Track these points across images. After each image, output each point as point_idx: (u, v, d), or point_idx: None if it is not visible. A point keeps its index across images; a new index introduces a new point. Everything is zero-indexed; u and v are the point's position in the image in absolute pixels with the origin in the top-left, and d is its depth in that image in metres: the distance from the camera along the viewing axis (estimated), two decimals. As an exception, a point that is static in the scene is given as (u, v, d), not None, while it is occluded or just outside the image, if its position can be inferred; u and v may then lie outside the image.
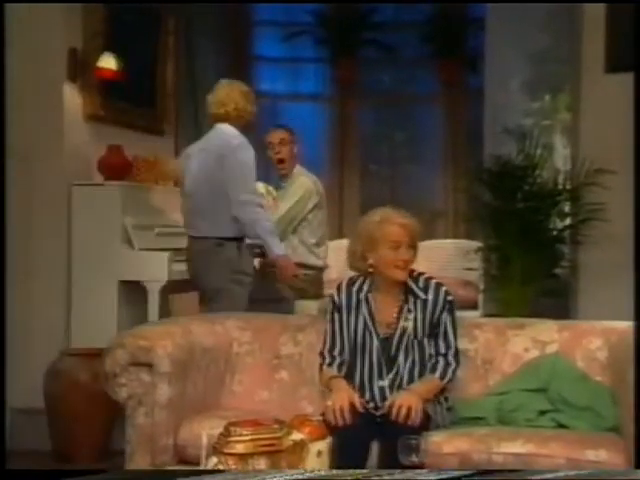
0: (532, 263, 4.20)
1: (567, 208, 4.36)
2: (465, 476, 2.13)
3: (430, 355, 2.78)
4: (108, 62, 4.34)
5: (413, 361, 2.77)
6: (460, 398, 2.84)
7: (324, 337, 2.84)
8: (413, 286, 2.80)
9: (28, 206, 4.14)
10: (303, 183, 4.52)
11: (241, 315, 3.29)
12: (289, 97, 6.67)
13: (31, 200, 4.16)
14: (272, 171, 4.81)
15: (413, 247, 2.77)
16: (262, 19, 6.57)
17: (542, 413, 2.81)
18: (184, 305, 4.73)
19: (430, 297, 2.80)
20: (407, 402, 2.59)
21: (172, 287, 4.38)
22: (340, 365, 2.80)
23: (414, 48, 6.47)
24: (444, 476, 2.11)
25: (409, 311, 2.79)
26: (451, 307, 2.82)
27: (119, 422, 3.13)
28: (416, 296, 2.79)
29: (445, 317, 2.80)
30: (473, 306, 5.20)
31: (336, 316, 2.84)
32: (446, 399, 2.79)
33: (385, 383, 2.74)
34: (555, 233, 4.35)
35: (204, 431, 2.26)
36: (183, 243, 4.62)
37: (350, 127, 6.55)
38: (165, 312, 4.41)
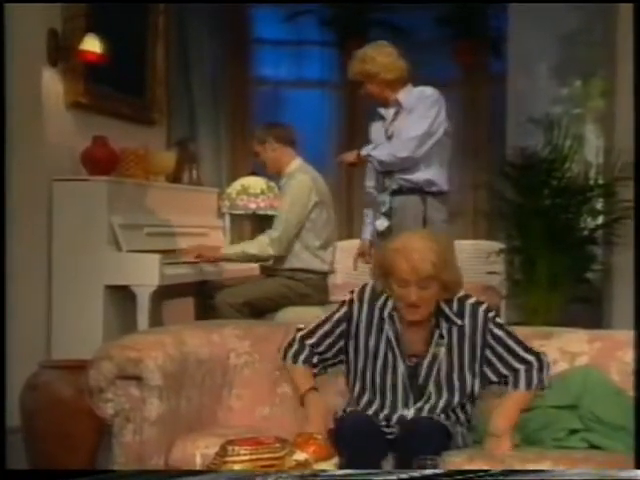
0: (560, 266, 4.21)
1: (599, 205, 4.37)
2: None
3: (503, 375, 2.77)
4: (92, 44, 4.35)
5: (447, 394, 2.72)
6: (482, 415, 2.83)
7: (313, 328, 2.83)
8: (446, 309, 2.74)
9: (5, 204, 4.14)
10: (300, 182, 4.50)
11: (239, 323, 3.29)
12: (292, 84, 6.68)
13: (7, 197, 4.16)
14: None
15: (425, 288, 2.65)
16: (263, -4, 6.57)
17: (572, 432, 2.81)
18: (178, 312, 4.74)
19: (467, 322, 2.74)
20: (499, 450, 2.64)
21: (164, 292, 4.40)
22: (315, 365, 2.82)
23: (430, 30, 6.47)
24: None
25: (441, 337, 2.74)
26: (495, 323, 2.77)
27: (105, 441, 3.13)
28: (450, 321, 2.74)
29: (494, 338, 2.75)
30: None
31: (343, 325, 2.81)
32: (468, 419, 2.79)
33: (410, 412, 2.71)
34: (586, 233, 4.36)
35: (198, 451, 2.27)
36: (175, 244, 4.64)
37: (359, 116, 6.54)
38: (157, 320, 4.43)
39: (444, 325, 2.73)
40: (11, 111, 4.18)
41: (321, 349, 2.84)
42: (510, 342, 2.76)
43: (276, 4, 6.53)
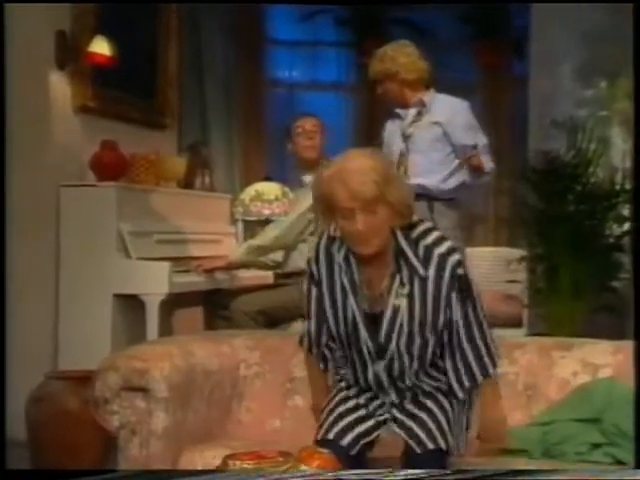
0: (584, 274, 4.20)
1: (626, 211, 4.34)
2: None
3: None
4: (100, 46, 4.38)
5: (411, 354, 2.49)
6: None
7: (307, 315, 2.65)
8: (409, 252, 2.46)
9: (10, 210, 4.16)
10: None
11: (250, 333, 3.30)
12: (307, 85, 6.69)
13: (14, 203, 4.18)
14: (288, 170, 4.84)
15: (372, 212, 2.36)
16: (278, -4, 6.58)
17: (595, 446, 2.79)
18: (188, 321, 4.76)
19: (431, 274, 2.44)
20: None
21: (175, 301, 4.41)
22: (325, 358, 2.64)
23: (450, 29, 6.47)
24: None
25: (402, 285, 2.46)
26: (462, 285, 2.46)
27: (112, 454, 3.14)
28: (413, 268, 2.45)
29: (455, 301, 2.46)
30: (517, 324, 5.18)
31: (314, 291, 2.57)
32: (468, 424, 2.68)
33: (380, 367, 2.51)
34: (612, 240, 4.34)
35: (200, 462, 2.27)
36: (185, 251, 4.65)
37: (376, 119, 6.53)
38: (167, 329, 4.44)
39: (405, 272, 2.45)
40: (17, 115, 4.21)
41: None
42: (469, 311, 2.49)
43: (291, 4, 6.55)
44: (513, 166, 5.24)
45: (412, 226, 2.50)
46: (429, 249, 2.46)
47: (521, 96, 5.59)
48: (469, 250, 5.73)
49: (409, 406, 2.57)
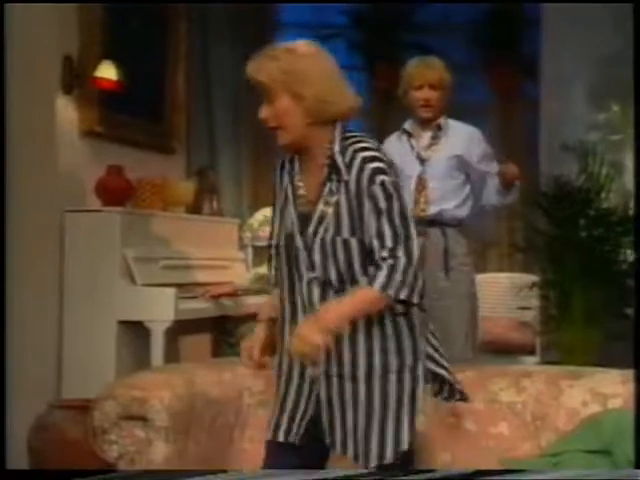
0: (597, 301, 4.18)
1: (640, 237, 4.32)
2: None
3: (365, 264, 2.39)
4: (107, 71, 4.41)
5: (337, 266, 2.40)
6: (507, 459, 2.80)
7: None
8: (339, 159, 2.41)
9: (15, 235, 4.20)
10: None
11: (253, 361, 3.29)
12: (319, 110, 6.69)
13: (18, 228, 4.22)
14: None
15: (271, 102, 2.40)
16: (289, 21, 6.62)
17: (605, 478, 2.77)
18: (195, 349, 4.76)
19: (353, 177, 2.39)
20: (305, 336, 2.30)
21: (181, 328, 4.41)
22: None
23: (462, 52, 6.48)
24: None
25: (331, 192, 2.42)
26: (378, 194, 2.36)
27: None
28: (339, 174, 2.41)
29: (370, 205, 2.36)
30: (531, 351, 5.16)
31: (274, 196, 2.55)
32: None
33: (313, 275, 2.44)
34: (625, 267, 4.31)
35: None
36: (192, 277, 4.66)
37: (388, 143, 6.56)
38: (173, 357, 4.44)
39: (335, 179, 2.42)
40: (24, 139, 4.26)
41: None
42: (384, 222, 2.37)
43: (304, 28, 6.58)
44: (525, 191, 5.23)
45: (352, 137, 2.44)
46: (355, 153, 2.41)
47: (534, 119, 5.60)
48: (483, 276, 5.75)
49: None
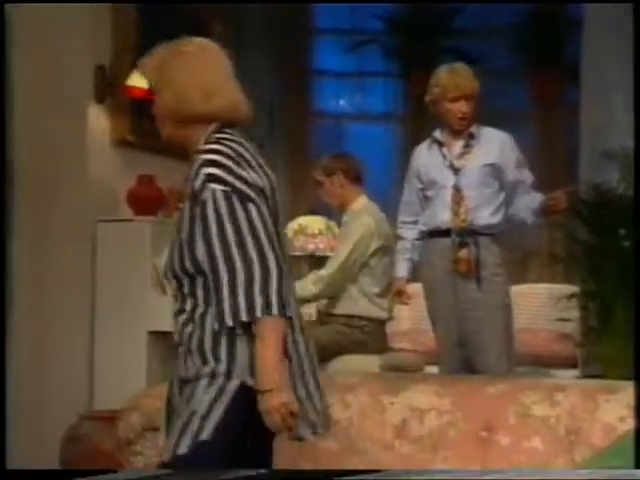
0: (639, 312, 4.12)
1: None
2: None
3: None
4: (139, 80, 4.45)
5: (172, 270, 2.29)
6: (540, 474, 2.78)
7: None
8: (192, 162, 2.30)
9: (46, 245, 4.25)
10: (363, 224, 4.55)
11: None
12: (355, 117, 6.71)
13: (49, 238, 4.27)
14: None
15: (155, 97, 2.34)
16: (323, 27, 6.64)
17: (642, 496, 2.73)
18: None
19: (191, 181, 2.21)
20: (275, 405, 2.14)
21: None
22: None
23: (503, 57, 6.45)
24: None
25: (184, 197, 2.30)
26: (210, 197, 2.16)
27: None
28: (187, 178, 2.26)
29: (198, 213, 2.18)
30: (573, 364, 5.10)
31: None
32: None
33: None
34: (668, 277, 4.25)
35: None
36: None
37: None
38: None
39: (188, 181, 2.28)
40: (55, 149, 4.32)
41: None
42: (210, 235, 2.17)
43: (339, 33, 6.60)
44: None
45: (217, 138, 2.29)
46: (199, 155, 2.24)
47: (577, 126, 5.54)
48: (522, 287, 5.70)
49: None
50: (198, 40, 2.39)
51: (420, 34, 6.52)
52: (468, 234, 3.82)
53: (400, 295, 4.11)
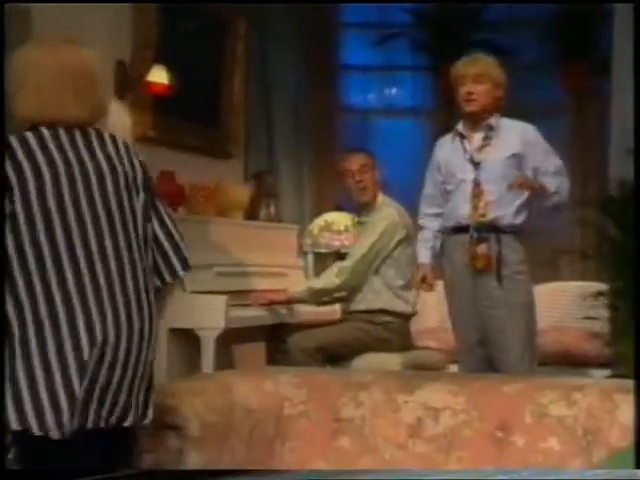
0: (668, 311, 4.07)
1: None
2: None
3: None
4: (159, 75, 4.49)
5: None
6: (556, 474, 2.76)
7: None
8: None
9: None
10: (388, 214, 4.57)
11: (298, 370, 3.32)
12: (382, 112, 6.70)
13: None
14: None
15: None
16: (350, 20, 6.63)
17: (661, 498, 2.71)
18: (250, 357, 4.80)
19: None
20: None
21: (234, 336, 4.45)
22: None
23: (534, 50, 6.41)
24: None
25: None
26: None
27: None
28: None
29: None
30: (605, 363, 5.05)
31: None
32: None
33: None
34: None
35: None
36: (248, 284, 4.70)
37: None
38: (225, 366, 4.47)
39: None
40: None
41: None
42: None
43: (366, 27, 6.60)
44: (597, 195, 5.14)
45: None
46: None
47: (608, 120, 5.49)
48: (553, 285, 5.66)
49: None
50: (60, 39, 2.55)
51: (449, 27, 6.49)
52: (488, 230, 3.79)
53: (424, 281, 4.10)
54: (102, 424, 2.41)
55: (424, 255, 4.10)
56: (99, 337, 2.36)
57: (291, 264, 5.28)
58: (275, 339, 4.78)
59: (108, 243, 2.43)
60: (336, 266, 4.60)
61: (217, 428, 2.79)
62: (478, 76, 3.88)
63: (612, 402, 2.87)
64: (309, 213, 6.18)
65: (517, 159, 3.86)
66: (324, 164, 6.30)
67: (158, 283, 2.59)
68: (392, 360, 4.44)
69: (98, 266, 2.39)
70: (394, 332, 4.54)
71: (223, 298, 4.25)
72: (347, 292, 4.57)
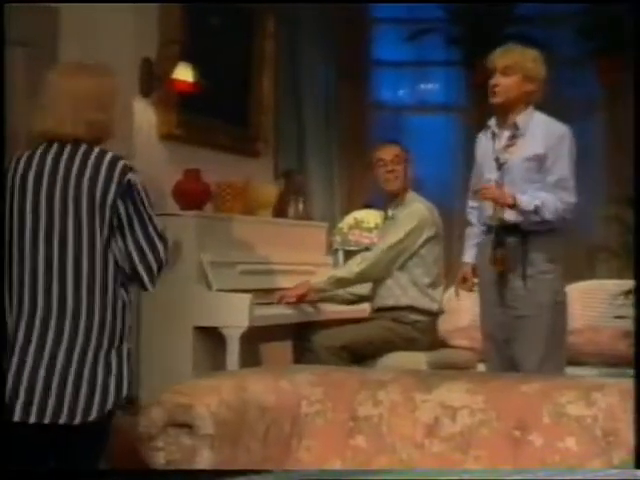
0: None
1: None
2: None
3: None
4: (184, 73, 4.53)
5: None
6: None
7: None
8: None
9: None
10: (417, 210, 4.58)
11: (315, 368, 3.33)
12: (415, 108, 6.67)
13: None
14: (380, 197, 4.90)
15: None
16: (382, 16, 6.62)
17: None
18: (277, 354, 4.83)
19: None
20: None
21: (261, 334, 4.49)
22: None
23: (570, 45, 6.36)
24: None
25: None
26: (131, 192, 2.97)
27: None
28: None
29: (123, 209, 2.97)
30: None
31: None
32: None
33: None
34: None
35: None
36: (274, 282, 4.73)
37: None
38: (250, 364, 4.50)
39: None
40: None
41: None
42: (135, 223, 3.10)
43: (398, 22, 6.58)
44: (625, 192, 5.08)
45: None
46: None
47: (645, 115, 5.43)
48: (589, 283, 5.61)
49: None
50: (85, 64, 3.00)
51: (482, 22, 6.45)
52: (508, 232, 3.77)
53: (465, 282, 4.07)
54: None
55: (467, 254, 4.08)
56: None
57: (319, 262, 5.30)
58: (301, 338, 4.81)
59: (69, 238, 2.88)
60: (360, 256, 4.63)
61: (231, 426, 2.81)
62: (507, 68, 3.84)
63: (631, 402, 2.85)
64: (339, 211, 6.18)
65: (538, 160, 3.80)
66: (355, 161, 6.30)
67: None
68: (419, 359, 4.44)
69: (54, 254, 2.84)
70: (421, 331, 4.54)
71: (247, 296, 4.28)
72: (370, 284, 4.58)
